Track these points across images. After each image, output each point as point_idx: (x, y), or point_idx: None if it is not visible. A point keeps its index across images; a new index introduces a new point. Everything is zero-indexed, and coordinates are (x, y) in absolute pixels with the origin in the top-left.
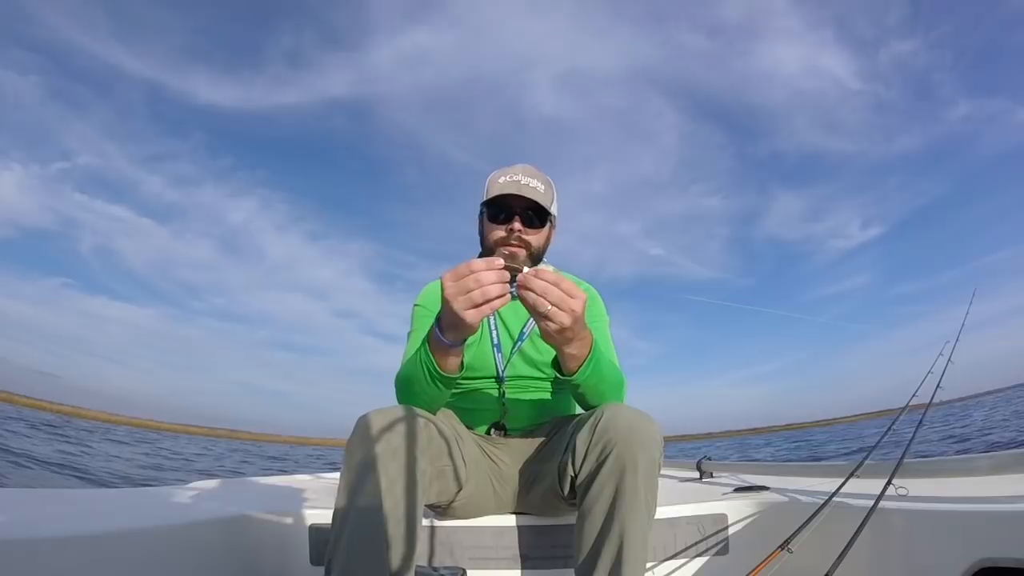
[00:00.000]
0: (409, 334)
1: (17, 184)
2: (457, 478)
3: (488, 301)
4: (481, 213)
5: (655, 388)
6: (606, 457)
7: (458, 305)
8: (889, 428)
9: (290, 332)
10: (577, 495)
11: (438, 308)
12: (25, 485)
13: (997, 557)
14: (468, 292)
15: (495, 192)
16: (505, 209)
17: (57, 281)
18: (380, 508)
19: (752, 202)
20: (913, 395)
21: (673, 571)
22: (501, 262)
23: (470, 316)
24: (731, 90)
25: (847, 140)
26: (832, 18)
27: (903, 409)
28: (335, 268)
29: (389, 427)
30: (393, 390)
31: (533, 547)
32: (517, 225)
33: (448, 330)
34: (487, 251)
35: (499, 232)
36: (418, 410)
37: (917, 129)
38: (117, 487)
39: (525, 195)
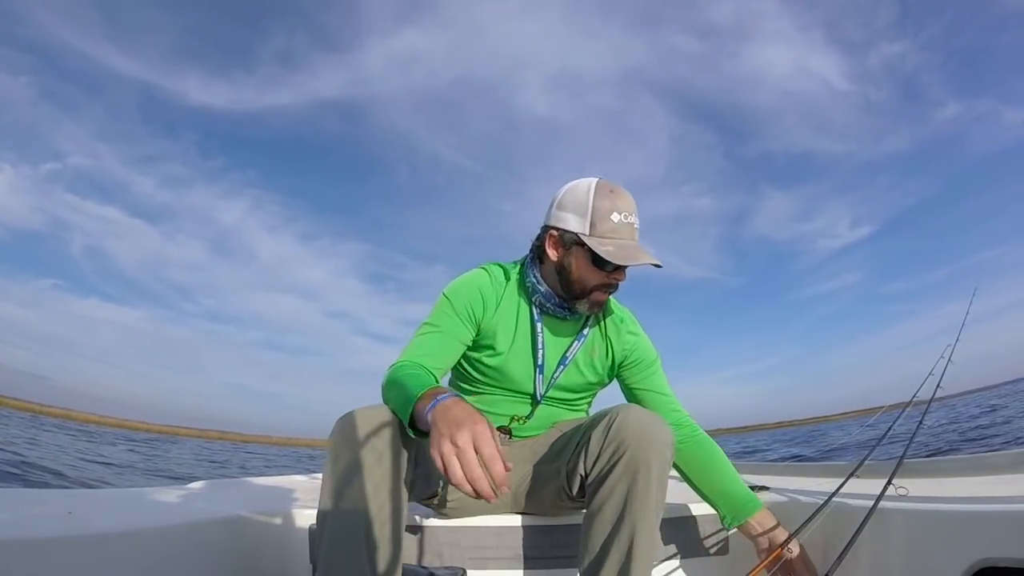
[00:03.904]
0: (425, 323)
1: (7, 185)
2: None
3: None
4: (571, 241)
5: None
6: (620, 457)
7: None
8: (889, 428)
9: (282, 333)
10: (587, 494)
11: (469, 305)
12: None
13: (997, 557)
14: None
15: (609, 232)
16: None
17: (47, 282)
18: (360, 507)
19: (742, 202)
20: (914, 395)
21: (673, 571)
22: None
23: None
24: (721, 91)
25: (836, 141)
26: (822, 20)
27: (906, 406)
28: (327, 269)
29: (370, 425)
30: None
31: (534, 547)
32: (623, 277)
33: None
34: (577, 287)
35: (601, 277)
36: None
37: (906, 129)
38: (116, 487)
39: (641, 247)
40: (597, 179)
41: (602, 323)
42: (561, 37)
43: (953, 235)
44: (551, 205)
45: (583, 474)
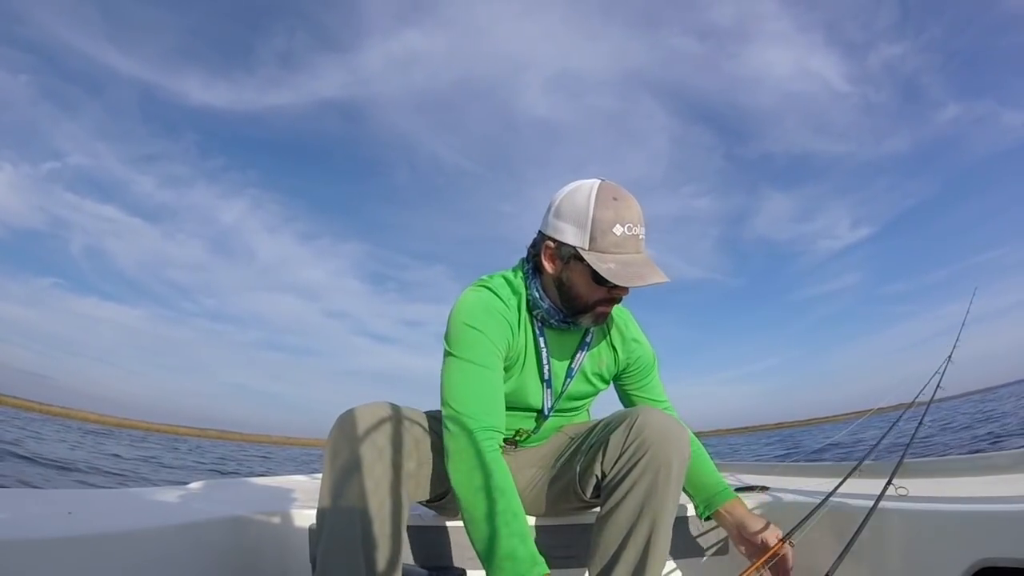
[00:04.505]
0: (464, 361)
1: (7, 184)
2: (444, 476)
3: None
4: (569, 255)
5: None
6: (641, 456)
7: None
8: (890, 428)
9: (281, 333)
10: (602, 494)
11: (504, 338)
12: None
13: (997, 557)
14: None
15: (611, 246)
16: None
17: (47, 281)
18: (360, 506)
19: (742, 203)
20: (916, 397)
21: (673, 571)
22: None
23: None
24: (722, 92)
25: (837, 142)
26: (822, 21)
27: (907, 406)
28: (327, 269)
29: (371, 423)
30: (388, 392)
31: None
32: (626, 292)
33: None
34: (578, 303)
35: (602, 293)
36: (403, 408)
37: (906, 131)
38: (116, 487)
39: (649, 261)
40: (599, 182)
41: (606, 331)
42: (561, 38)
43: (953, 236)
44: (548, 211)
45: (599, 475)
